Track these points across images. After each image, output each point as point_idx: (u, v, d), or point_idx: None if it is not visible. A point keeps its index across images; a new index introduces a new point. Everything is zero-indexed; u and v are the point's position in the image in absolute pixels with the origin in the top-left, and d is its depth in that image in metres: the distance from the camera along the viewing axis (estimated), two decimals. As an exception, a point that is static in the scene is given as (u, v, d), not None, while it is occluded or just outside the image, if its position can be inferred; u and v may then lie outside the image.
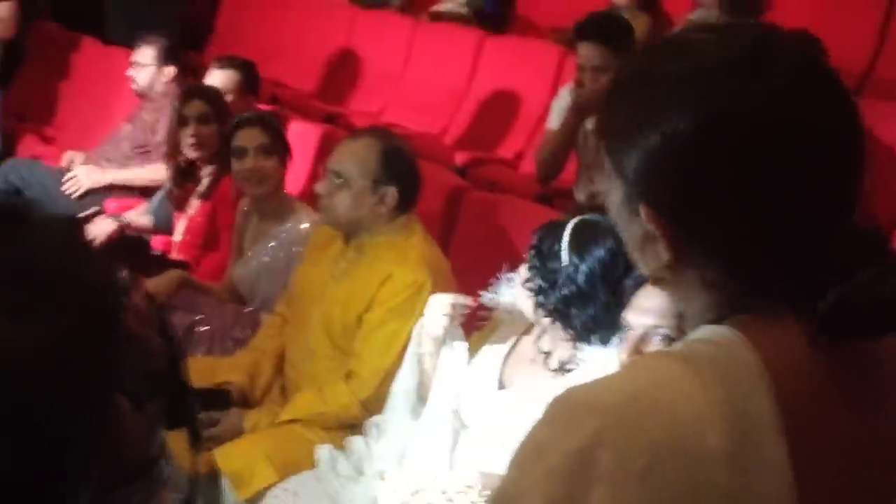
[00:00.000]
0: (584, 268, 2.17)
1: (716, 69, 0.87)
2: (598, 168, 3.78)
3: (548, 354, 2.25)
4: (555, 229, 2.22)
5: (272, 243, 3.28)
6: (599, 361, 2.11)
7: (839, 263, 0.87)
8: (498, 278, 2.44)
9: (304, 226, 3.23)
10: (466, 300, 2.40)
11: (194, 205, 3.76)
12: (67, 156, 4.79)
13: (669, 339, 1.95)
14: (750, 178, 0.85)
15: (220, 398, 1.00)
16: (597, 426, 0.82)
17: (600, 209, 3.65)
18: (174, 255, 3.84)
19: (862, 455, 0.89)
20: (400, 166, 2.79)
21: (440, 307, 2.39)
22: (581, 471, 0.81)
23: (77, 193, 4.50)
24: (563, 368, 2.21)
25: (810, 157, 0.86)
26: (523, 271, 2.26)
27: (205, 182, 3.69)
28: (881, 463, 0.89)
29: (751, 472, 0.82)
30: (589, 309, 2.14)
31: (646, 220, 0.89)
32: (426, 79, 5.54)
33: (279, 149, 3.28)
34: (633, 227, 0.92)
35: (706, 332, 0.89)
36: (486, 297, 2.43)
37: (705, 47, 0.89)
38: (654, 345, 1.98)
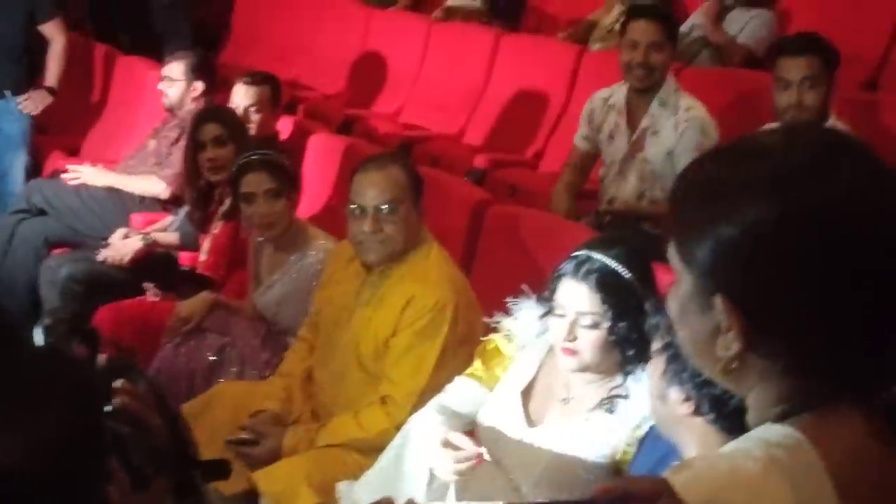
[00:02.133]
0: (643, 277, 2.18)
1: (791, 170, 0.91)
2: (629, 163, 3.83)
3: (609, 401, 2.23)
4: (598, 270, 2.19)
5: (291, 273, 3.31)
6: (640, 394, 2.13)
7: None
8: (517, 299, 2.44)
9: (321, 254, 3.25)
10: (474, 451, 2.25)
11: (218, 225, 3.80)
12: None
13: (595, 325, 2.16)
14: (826, 271, 0.89)
15: (221, 468, 1.05)
16: None
17: (618, 213, 3.73)
18: (200, 271, 3.91)
19: None
20: (420, 181, 2.86)
21: (447, 460, 2.25)
22: None
23: (74, 183, 4.55)
24: (602, 406, 2.24)
25: (884, 253, 0.91)
26: (581, 332, 2.20)
27: (227, 202, 3.73)
28: None
29: None
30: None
31: (722, 309, 0.92)
32: (443, 78, 5.56)
33: (287, 189, 3.28)
34: (702, 320, 0.95)
35: (775, 434, 0.92)
36: (504, 324, 2.44)
37: (776, 150, 0.93)
38: (583, 331, 2.17)
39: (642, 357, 2.16)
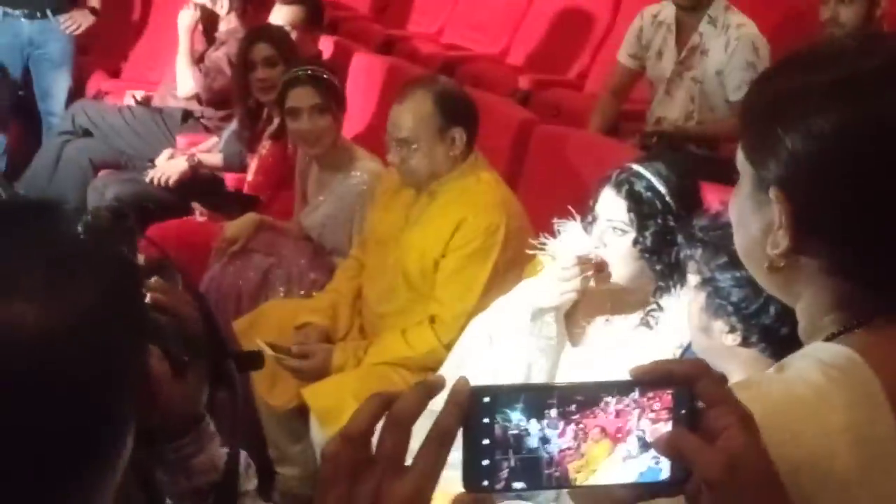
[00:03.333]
0: (680, 193, 2.16)
1: (863, 75, 0.90)
2: (676, 83, 3.78)
3: (652, 312, 2.24)
4: (634, 180, 2.19)
5: (336, 193, 3.31)
6: (678, 308, 2.12)
7: None
8: (562, 220, 2.43)
9: (366, 175, 3.26)
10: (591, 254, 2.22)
11: (266, 145, 3.81)
12: (128, 96, 4.88)
13: (622, 233, 2.17)
14: (883, 178, 0.89)
15: (255, 359, 1.11)
16: None
17: (665, 134, 3.68)
18: (247, 191, 3.93)
19: None
20: (457, 106, 2.83)
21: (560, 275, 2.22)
22: None
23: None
24: (644, 322, 2.23)
25: None
26: (610, 240, 2.20)
27: (276, 121, 3.73)
28: None
29: (874, 488, 0.86)
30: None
31: (775, 202, 0.92)
32: (485, -4, 5.48)
33: (333, 106, 3.27)
34: (757, 217, 0.95)
35: (829, 353, 0.92)
36: (551, 245, 2.43)
37: (851, 55, 0.93)
38: (610, 239, 2.18)
39: (672, 273, 2.16)
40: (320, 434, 2.78)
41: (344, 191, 3.30)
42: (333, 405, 2.72)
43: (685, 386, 0.76)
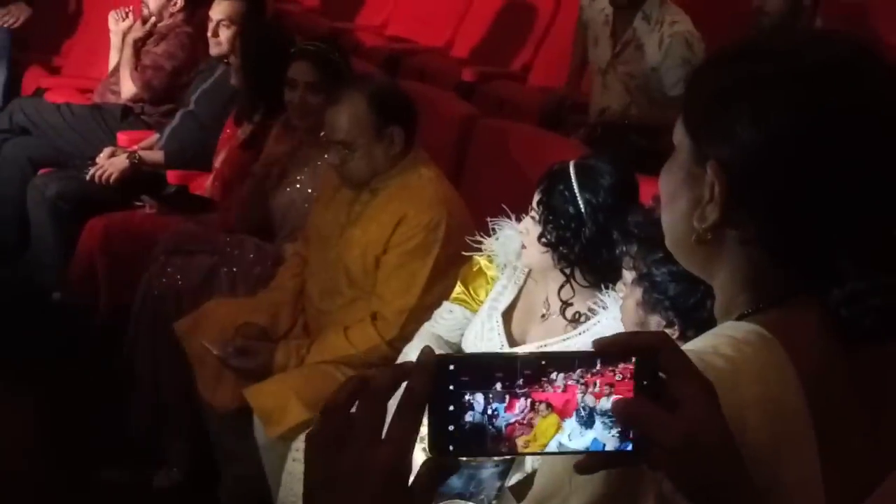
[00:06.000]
0: (596, 202, 2.17)
1: (818, 71, 0.91)
2: (611, 75, 3.81)
3: (564, 307, 2.26)
4: (557, 176, 2.21)
5: (318, 172, 3.25)
6: (613, 308, 2.13)
7: (871, 267, 0.92)
8: (499, 219, 2.44)
9: None
10: None
11: (235, 144, 3.72)
12: None
13: (536, 221, 2.18)
14: (823, 166, 0.90)
15: None
16: None
17: (610, 124, 3.71)
18: (202, 191, 3.89)
19: (870, 445, 0.96)
20: (393, 103, 2.81)
21: None
22: None
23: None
24: (577, 320, 2.24)
25: (888, 160, 0.91)
26: (530, 227, 2.25)
27: (246, 129, 3.66)
28: (882, 456, 0.97)
29: (784, 461, 0.89)
30: (610, 251, 2.12)
31: (712, 174, 0.92)
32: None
33: (328, 87, 3.18)
34: (687, 190, 0.96)
35: (741, 330, 0.94)
36: (487, 244, 2.44)
37: (810, 50, 0.94)
38: (530, 223, 2.22)
39: (572, 273, 2.18)
40: (263, 434, 2.77)
41: (324, 170, 3.25)
42: (276, 405, 2.71)
43: (647, 357, 0.78)
